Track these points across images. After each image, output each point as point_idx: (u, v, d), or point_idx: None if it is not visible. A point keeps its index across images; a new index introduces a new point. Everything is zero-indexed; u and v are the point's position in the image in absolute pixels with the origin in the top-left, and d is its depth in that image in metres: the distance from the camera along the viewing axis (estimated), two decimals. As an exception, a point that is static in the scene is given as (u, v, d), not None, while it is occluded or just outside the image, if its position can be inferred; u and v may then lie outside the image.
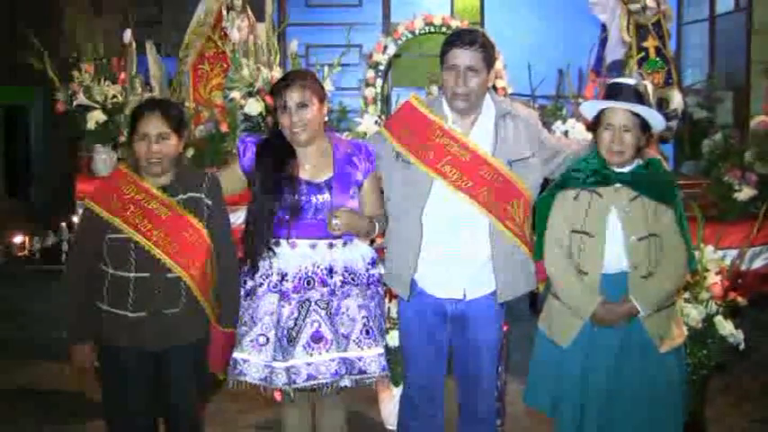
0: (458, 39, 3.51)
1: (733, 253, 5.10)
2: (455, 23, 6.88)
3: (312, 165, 3.58)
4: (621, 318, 3.41)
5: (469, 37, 3.50)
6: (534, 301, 6.64)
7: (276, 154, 3.56)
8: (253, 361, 3.49)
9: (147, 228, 3.38)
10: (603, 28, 7.56)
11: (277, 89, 3.57)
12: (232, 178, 3.68)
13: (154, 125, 3.42)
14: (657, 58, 7.16)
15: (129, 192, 3.44)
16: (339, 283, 3.51)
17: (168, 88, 6.83)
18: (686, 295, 4.53)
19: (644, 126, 3.44)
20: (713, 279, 4.59)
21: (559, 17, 9.60)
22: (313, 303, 3.46)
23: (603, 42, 7.52)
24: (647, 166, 3.50)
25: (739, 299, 4.59)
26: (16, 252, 9.33)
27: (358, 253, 3.62)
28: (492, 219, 3.50)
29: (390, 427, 4.71)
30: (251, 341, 3.49)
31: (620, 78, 3.72)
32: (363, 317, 3.52)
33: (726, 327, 4.48)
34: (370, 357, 3.52)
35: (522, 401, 3.82)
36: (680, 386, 3.56)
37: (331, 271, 3.51)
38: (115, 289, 3.41)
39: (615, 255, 3.43)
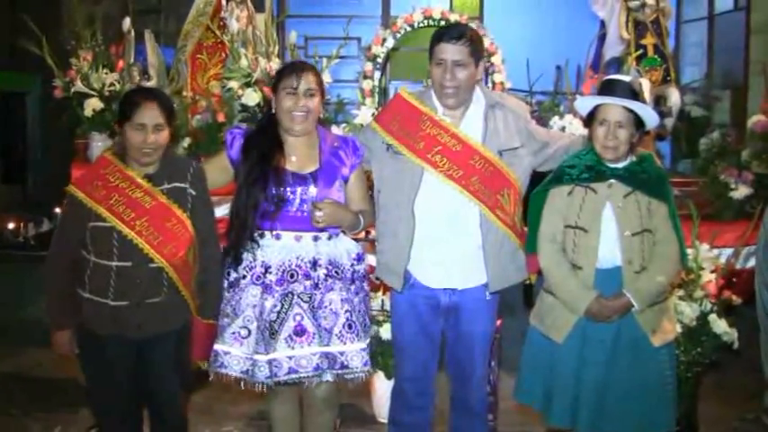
0: (445, 33, 3.54)
1: (728, 252, 5.11)
2: (454, 17, 6.87)
3: (299, 156, 3.58)
4: (616, 312, 3.43)
5: (456, 31, 3.52)
6: (528, 295, 6.64)
7: (263, 144, 3.55)
8: (234, 353, 3.48)
9: (130, 217, 3.36)
10: (602, 24, 7.55)
11: (289, 71, 3.56)
12: (217, 169, 3.66)
13: (151, 116, 3.39)
14: (656, 56, 7.15)
15: (114, 180, 3.42)
16: (323, 277, 3.50)
17: (166, 77, 6.81)
18: (681, 293, 4.54)
19: (638, 122, 3.46)
20: (708, 277, 4.61)
21: (558, 13, 9.62)
22: (296, 296, 3.46)
23: (602, 39, 7.51)
24: (641, 162, 3.52)
25: (734, 297, 4.61)
26: (11, 238, 9.31)
27: (343, 247, 3.61)
28: (482, 208, 3.51)
29: (382, 420, 4.72)
30: (232, 333, 3.48)
31: (615, 75, 3.73)
32: (346, 311, 3.52)
33: (720, 325, 4.50)
34: (353, 352, 3.51)
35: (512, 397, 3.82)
36: (672, 380, 3.58)
37: (315, 264, 3.50)
38: (97, 277, 3.39)
39: (609, 250, 3.45)
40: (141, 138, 3.38)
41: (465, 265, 3.58)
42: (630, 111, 3.43)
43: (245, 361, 3.47)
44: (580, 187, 3.51)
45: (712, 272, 4.65)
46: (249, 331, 3.46)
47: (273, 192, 3.47)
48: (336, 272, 3.53)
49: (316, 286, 3.48)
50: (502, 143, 3.58)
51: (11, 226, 9.02)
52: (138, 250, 3.36)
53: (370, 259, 3.87)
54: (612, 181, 3.48)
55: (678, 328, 4.40)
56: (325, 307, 3.49)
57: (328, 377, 3.51)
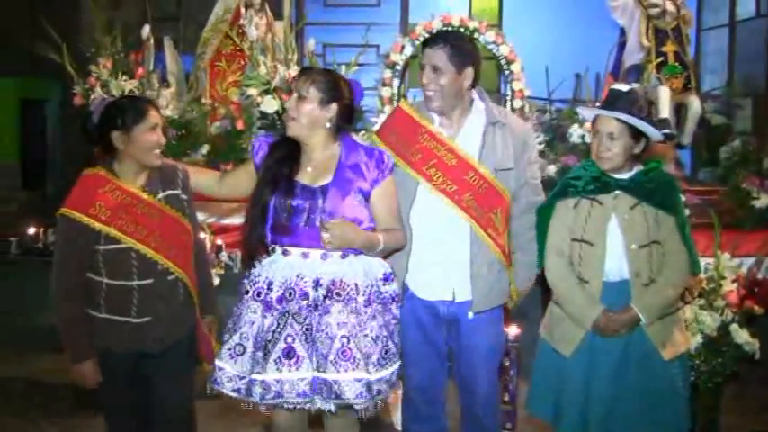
0: (428, 39, 3.57)
1: (750, 261, 5.07)
2: (473, 25, 6.87)
3: (314, 168, 3.40)
4: (624, 326, 3.39)
5: (437, 37, 3.54)
6: (547, 302, 6.59)
7: (282, 150, 3.44)
8: (227, 370, 3.32)
9: (143, 234, 3.31)
10: (622, 32, 7.54)
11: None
12: (245, 177, 3.57)
13: (157, 115, 3.40)
14: (676, 64, 7.13)
15: (114, 197, 3.32)
16: (322, 298, 3.26)
17: (185, 85, 6.84)
18: (702, 302, 4.50)
19: (638, 133, 3.41)
20: (729, 287, 4.56)
21: (578, 20, 9.57)
22: (291, 316, 3.25)
23: (622, 46, 7.50)
24: (648, 172, 3.47)
25: (755, 307, 4.56)
26: (30, 243, 9.36)
27: (360, 267, 3.33)
28: (473, 224, 3.47)
29: (399, 428, 4.69)
30: (228, 350, 3.32)
31: (617, 85, 3.64)
32: (342, 336, 3.21)
33: (741, 335, 4.45)
34: (345, 382, 3.21)
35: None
36: (684, 393, 3.53)
37: (317, 283, 3.27)
38: (115, 297, 3.33)
39: (616, 263, 3.41)
40: (155, 138, 3.35)
41: (461, 277, 3.54)
42: (627, 122, 3.39)
43: (238, 380, 3.32)
44: (585, 200, 3.47)
45: (734, 281, 4.61)
46: (244, 349, 3.30)
47: (281, 202, 3.33)
48: (338, 293, 3.26)
49: (315, 307, 3.26)
50: (498, 162, 3.53)
51: (30, 231, 9.03)
52: (157, 266, 3.34)
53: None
54: (618, 192, 3.43)
55: (699, 338, 4.37)
56: (322, 330, 3.24)
57: (331, 407, 3.26)
